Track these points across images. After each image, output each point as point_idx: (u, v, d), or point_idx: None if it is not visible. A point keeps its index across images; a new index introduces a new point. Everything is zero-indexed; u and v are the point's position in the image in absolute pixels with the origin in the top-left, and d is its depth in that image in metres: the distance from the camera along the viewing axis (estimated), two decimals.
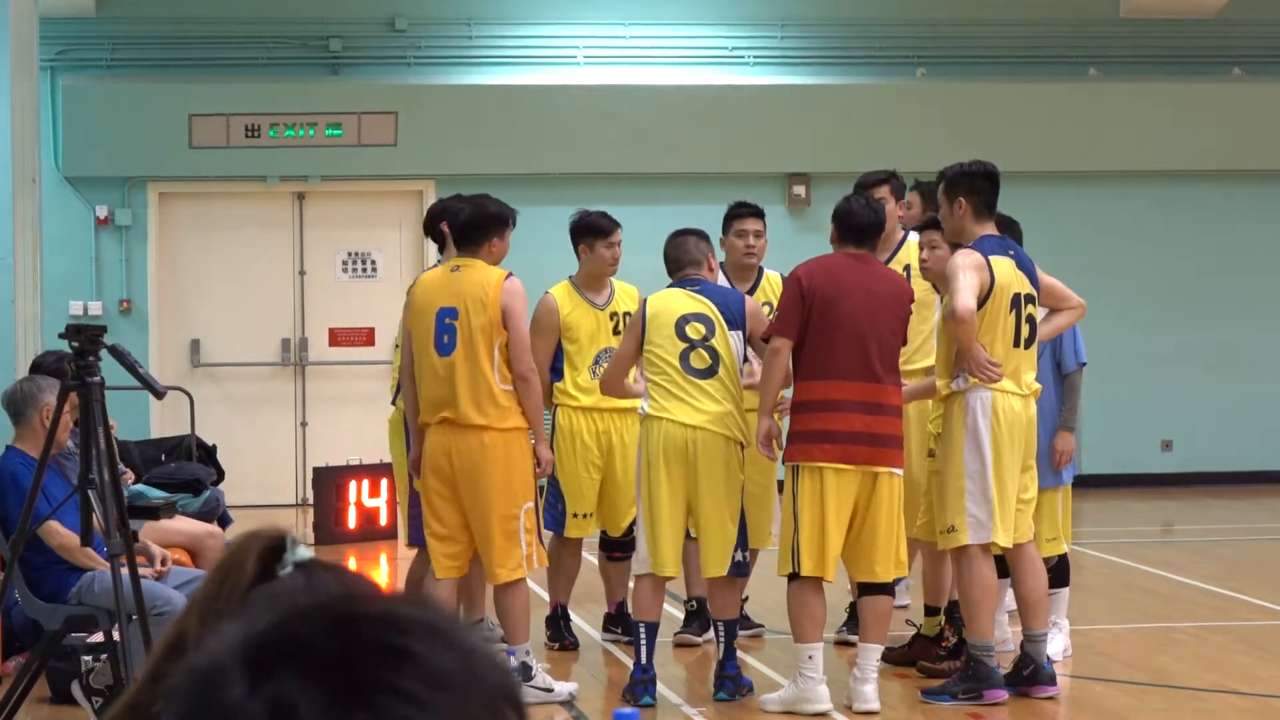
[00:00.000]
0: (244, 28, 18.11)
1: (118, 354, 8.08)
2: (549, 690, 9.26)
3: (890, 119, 18.27)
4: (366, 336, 18.32)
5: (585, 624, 11.07)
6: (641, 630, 9.21)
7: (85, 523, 8.00)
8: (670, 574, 9.35)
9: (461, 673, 1.34)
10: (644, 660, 9.17)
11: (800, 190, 18.40)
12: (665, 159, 18.08)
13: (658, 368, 9.23)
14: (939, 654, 9.84)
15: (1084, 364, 10.04)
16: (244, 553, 1.51)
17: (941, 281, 9.84)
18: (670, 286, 9.45)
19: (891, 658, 9.70)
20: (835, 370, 8.97)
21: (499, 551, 9.12)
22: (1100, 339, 18.83)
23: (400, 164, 17.96)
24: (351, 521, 15.35)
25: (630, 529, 10.09)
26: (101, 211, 17.85)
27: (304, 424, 18.32)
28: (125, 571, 8.01)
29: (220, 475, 12.98)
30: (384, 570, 14.29)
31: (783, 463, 9.20)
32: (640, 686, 9.14)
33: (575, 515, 10.36)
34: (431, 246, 11.27)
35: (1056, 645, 10.03)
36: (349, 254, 18.39)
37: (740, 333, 9.25)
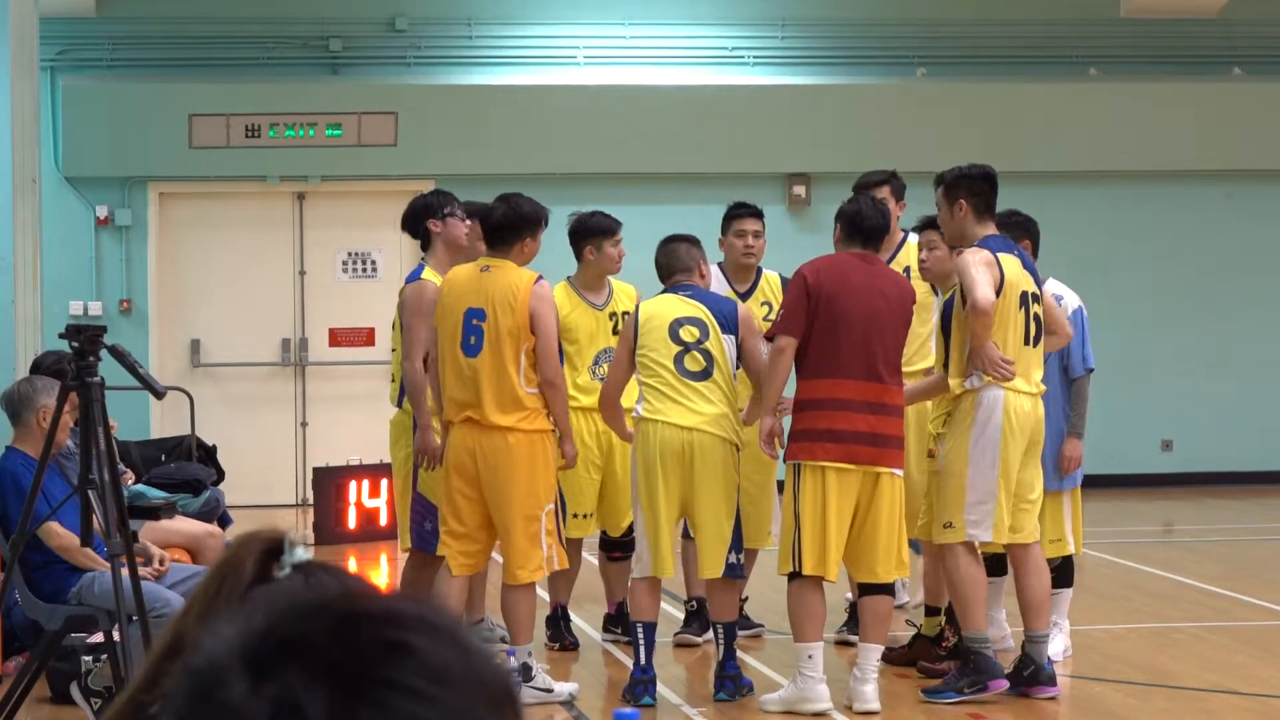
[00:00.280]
0: (244, 28, 18.11)
1: (118, 354, 8.08)
2: (549, 690, 9.26)
3: (890, 119, 18.27)
4: (366, 336, 18.32)
5: (585, 624, 11.07)
6: (640, 631, 9.21)
7: (85, 523, 8.00)
8: (669, 575, 9.37)
9: (462, 668, 1.34)
10: (643, 660, 9.17)
11: (800, 190, 18.40)
12: (665, 159, 18.08)
13: (652, 371, 9.22)
14: (939, 654, 9.84)
15: (1091, 370, 10.04)
16: (242, 554, 1.51)
17: (941, 282, 9.85)
18: (663, 292, 9.45)
19: (892, 658, 9.70)
20: (840, 369, 8.97)
21: (520, 552, 9.12)
22: (1100, 339, 18.77)
23: (400, 164, 17.95)
24: (351, 522, 15.35)
25: (630, 529, 10.09)
26: (101, 211, 17.85)
27: (304, 424, 18.32)
28: (125, 572, 8.01)
29: (220, 475, 12.98)
30: (384, 570, 14.28)
31: (784, 461, 9.19)
32: (640, 687, 9.14)
33: (575, 515, 10.36)
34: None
35: (1057, 645, 10.03)
36: (349, 254, 18.39)
37: (734, 337, 9.24)
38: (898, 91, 18.59)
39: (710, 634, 10.16)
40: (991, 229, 9.30)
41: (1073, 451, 9.85)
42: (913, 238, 10.31)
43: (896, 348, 9.10)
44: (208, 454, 13.45)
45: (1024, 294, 9.21)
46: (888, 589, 9.12)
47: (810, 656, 8.92)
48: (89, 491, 7.89)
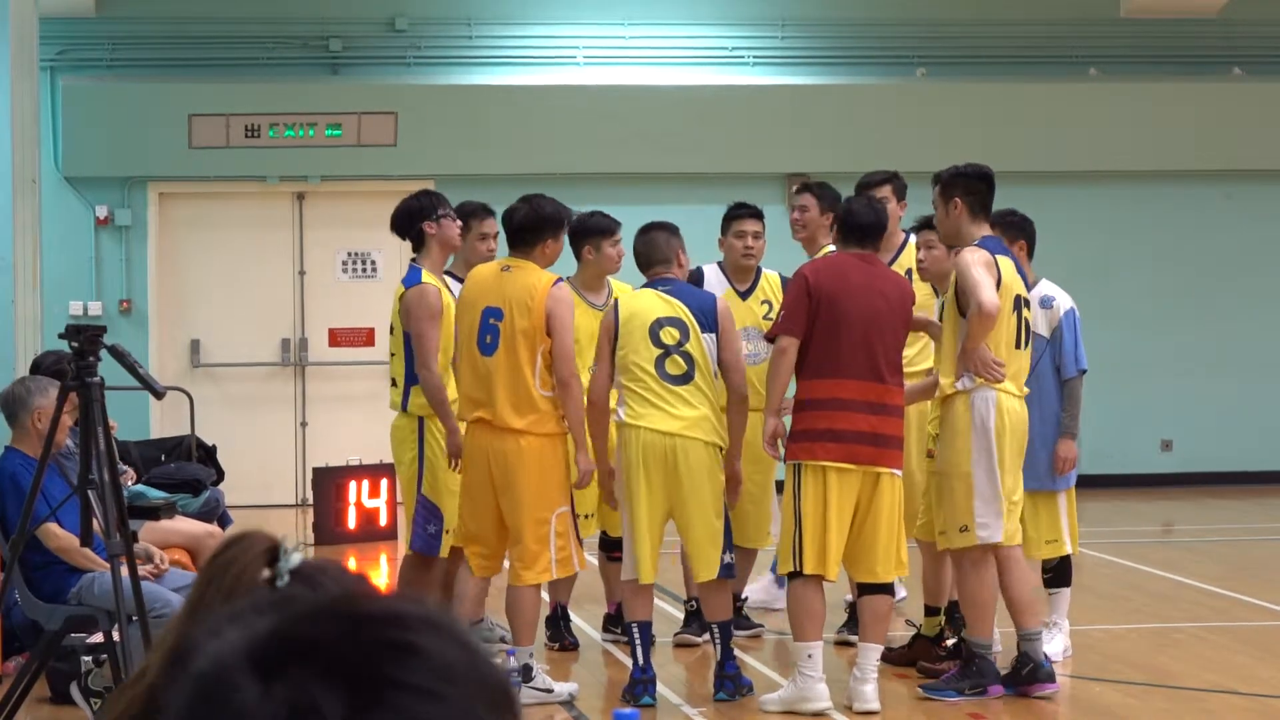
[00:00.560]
0: (244, 28, 18.11)
1: (117, 354, 8.07)
2: (549, 691, 9.26)
3: (890, 119, 18.27)
4: (366, 337, 18.32)
5: (585, 624, 11.07)
6: (635, 631, 9.20)
7: (85, 523, 8.00)
8: (649, 579, 9.32)
9: (467, 665, 1.35)
10: (641, 661, 9.16)
11: None
12: (665, 159, 18.07)
13: (633, 374, 9.20)
14: (939, 654, 9.84)
15: (1084, 370, 10.04)
16: (234, 556, 1.50)
17: (940, 282, 9.84)
18: (643, 287, 9.41)
19: (891, 658, 9.70)
20: (841, 369, 8.97)
21: (528, 553, 9.14)
22: (1100, 339, 18.82)
23: (400, 164, 17.95)
24: (351, 522, 15.35)
25: None
26: (101, 211, 17.85)
27: (304, 424, 18.32)
28: (125, 572, 8.00)
29: (220, 475, 12.98)
30: (384, 570, 14.28)
31: (785, 461, 9.19)
32: (640, 687, 9.13)
33: (576, 516, 10.35)
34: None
35: (1056, 645, 10.04)
36: (349, 254, 18.39)
37: (714, 335, 9.21)
38: (898, 91, 18.59)
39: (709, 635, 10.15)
40: (987, 229, 9.30)
41: (1067, 452, 9.85)
42: (913, 238, 10.30)
43: (897, 347, 9.10)
44: (207, 454, 13.45)
45: (1017, 297, 9.23)
46: (887, 589, 9.13)
47: (810, 656, 8.92)
48: (89, 491, 7.89)
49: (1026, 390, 9.35)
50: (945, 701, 9.16)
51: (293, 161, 18.03)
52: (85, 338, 7.93)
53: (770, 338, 9.29)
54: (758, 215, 10.48)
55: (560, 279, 9.22)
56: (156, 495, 11.28)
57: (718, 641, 9.31)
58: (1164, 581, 12.94)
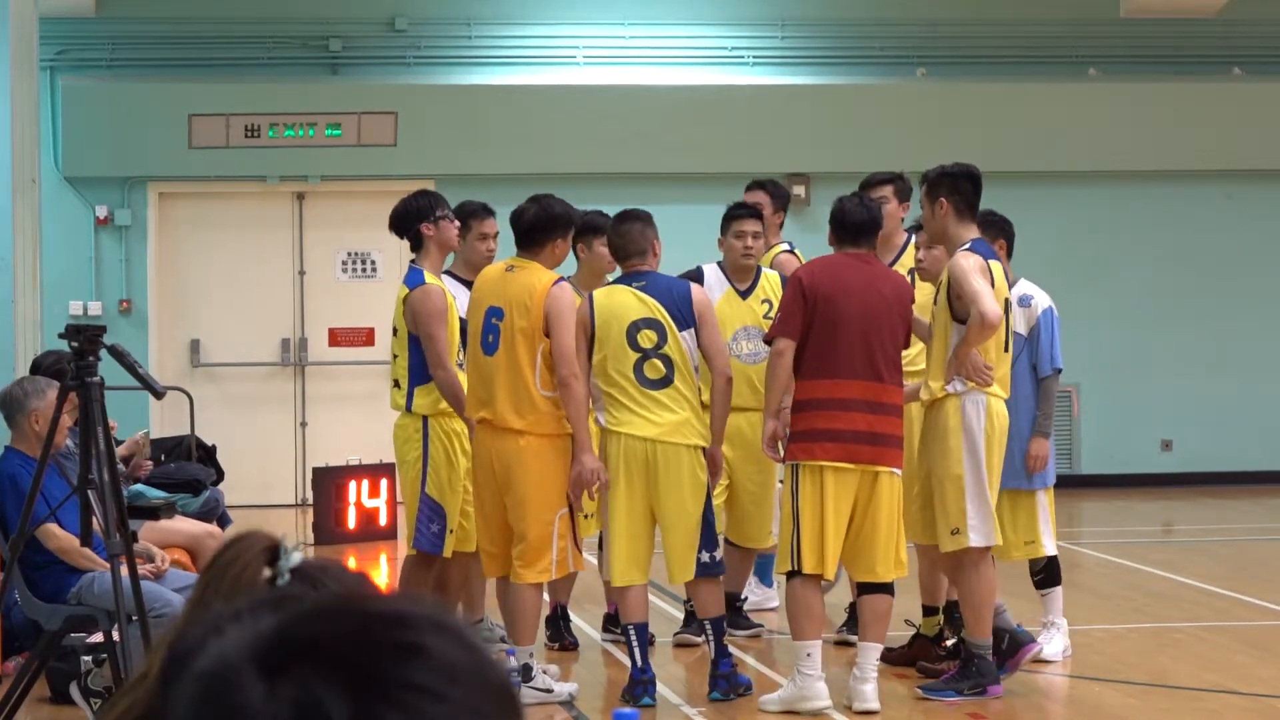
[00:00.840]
0: (244, 28, 18.11)
1: (117, 354, 8.07)
2: (549, 691, 9.25)
3: (890, 119, 18.28)
4: (366, 336, 18.32)
5: (585, 624, 11.07)
6: (632, 633, 9.18)
7: (85, 523, 8.00)
8: (623, 584, 9.30)
9: (470, 665, 1.35)
10: (640, 661, 9.15)
11: (800, 190, 18.40)
12: (665, 159, 18.08)
13: (611, 379, 9.17)
14: (939, 654, 9.84)
15: (1059, 369, 10.05)
16: (234, 555, 1.50)
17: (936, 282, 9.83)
18: (616, 282, 9.36)
19: (891, 658, 9.70)
20: (838, 369, 8.97)
21: (528, 553, 9.15)
22: (1100, 339, 18.86)
23: (400, 164, 17.95)
24: (351, 522, 15.35)
25: None
26: (101, 211, 17.85)
27: (304, 424, 18.32)
28: (125, 572, 8.00)
29: (220, 475, 12.99)
30: (384, 570, 14.28)
31: (784, 461, 9.18)
32: (640, 687, 9.13)
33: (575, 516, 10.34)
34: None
35: (1056, 645, 10.06)
36: (349, 254, 18.40)
37: (691, 329, 9.17)
38: (898, 91, 18.59)
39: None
40: (974, 230, 9.29)
41: (1039, 450, 9.85)
42: (914, 238, 10.30)
43: (895, 346, 9.10)
44: (207, 454, 13.45)
45: (1005, 301, 9.24)
46: (887, 588, 9.12)
47: (809, 655, 8.92)
48: (89, 491, 7.89)
49: (1007, 393, 9.39)
50: (945, 701, 9.17)
51: (293, 161, 18.03)
52: (85, 338, 7.92)
53: (767, 340, 9.28)
54: (757, 215, 10.48)
55: (562, 278, 9.22)
56: (156, 495, 11.28)
57: (710, 638, 9.29)
58: (1164, 581, 12.94)
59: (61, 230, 17.18)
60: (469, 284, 9.93)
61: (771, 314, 9.89)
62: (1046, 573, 10.03)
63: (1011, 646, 9.33)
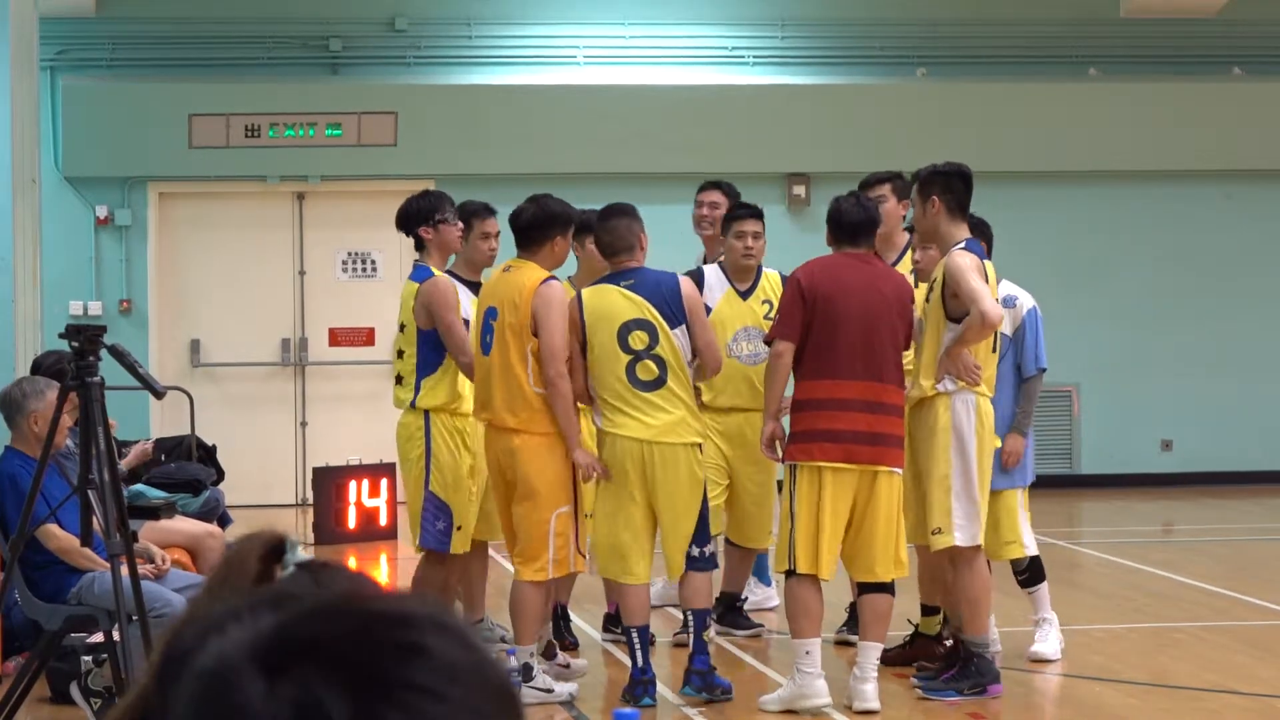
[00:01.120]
0: (244, 28, 18.11)
1: (118, 354, 8.07)
2: (549, 691, 9.25)
3: (890, 119, 18.27)
4: (366, 336, 18.32)
5: (585, 624, 11.07)
6: (634, 634, 9.18)
7: (85, 523, 8.00)
8: (608, 576, 9.31)
9: (470, 665, 1.35)
10: (640, 662, 9.15)
11: (800, 190, 18.40)
12: (665, 159, 18.07)
13: (604, 382, 9.16)
14: (939, 653, 9.84)
15: (1044, 369, 10.06)
16: (244, 554, 1.50)
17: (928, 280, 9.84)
18: (603, 281, 9.31)
19: (890, 658, 9.69)
20: (837, 370, 8.97)
21: (526, 550, 9.18)
22: (1100, 339, 18.86)
23: (400, 164, 17.95)
24: (351, 521, 15.35)
25: None
26: (101, 211, 17.85)
27: (304, 424, 18.32)
28: (125, 572, 8.00)
29: (220, 475, 12.98)
30: (384, 570, 14.28)
31: (783, 462, 9.18)
32: (640, 688, 9.13)
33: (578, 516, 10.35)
34: None
35: (1052, 644, 10.07)
36: (349, 254, 18.39)
37: (683, 325, 9.14)
38: (898, 91, 18.59)
39: (712, 632, 10.14)
40: (965, 229, 9.30)
41: (1014, 446, 9.84)
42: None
43: (896, 346, 9.09)
44: (207, 454, 13.45)
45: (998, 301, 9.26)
46: (887, 588, 9.11)
47: (808, 652, 8.92)
48: (89, 491, 7.89)
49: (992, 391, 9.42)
50: (945, 701, 9.17)
51: (293, 161, 18.03)
52: (85, 338, 7.93)
53: (767, 341, 9.27)
54: (758, 215, 10.48)
55: (551, 277, 9.21)
56: (156, 495, 11.28)
57: (689, 630, 9.26)
58: (1164, 581, 12.94)
59: (61, 230, 17.18)
60: (470, 284, 9.95)
61: (772, 314, 9.88)
62: (1031, 571, 10.04)
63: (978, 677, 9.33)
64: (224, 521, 11.96)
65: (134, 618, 7.94)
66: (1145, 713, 9.01)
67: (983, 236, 9.78)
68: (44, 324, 13.61)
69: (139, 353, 12.65)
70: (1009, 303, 9.91)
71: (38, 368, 10.50)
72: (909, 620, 10.22)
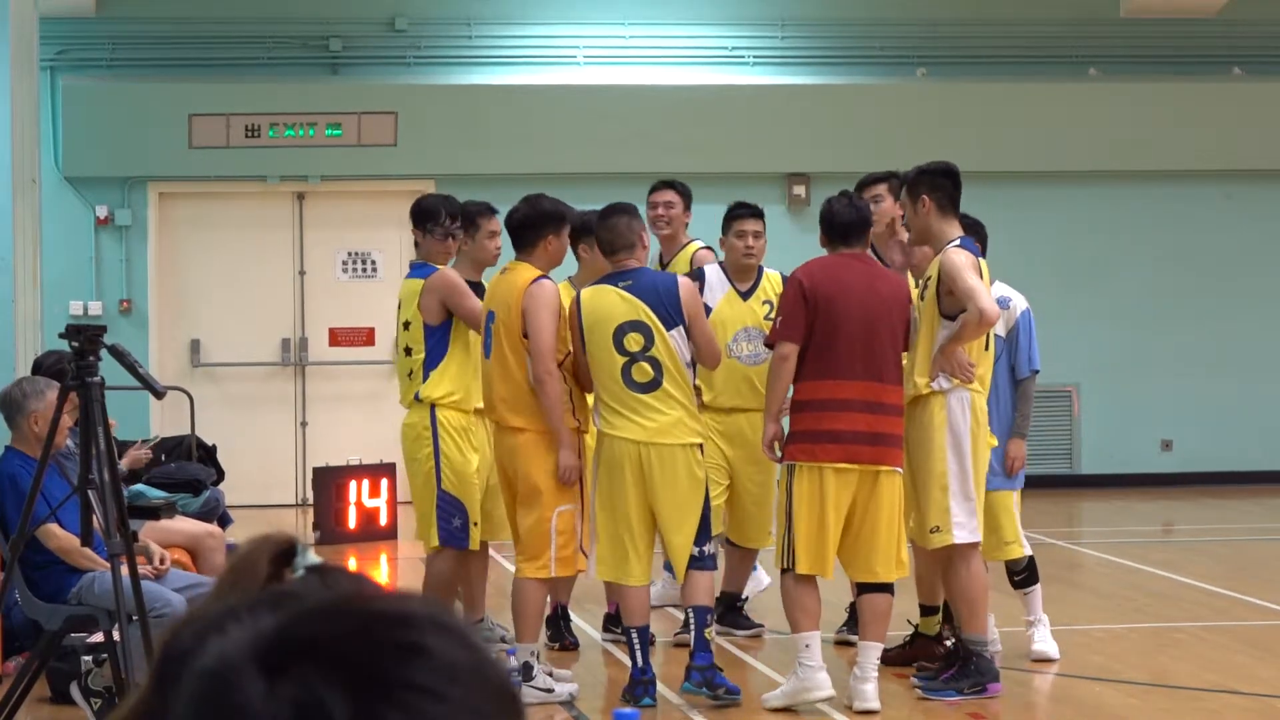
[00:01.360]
0: (244, 28, 18.11)
1: (118, 354, 8.07)
2: (549, 691, 9.26)
3: (890, 119, 18.27)
4: (366, 336, 18.32)
5: (585, 624, 11.07)
6: (634, 635, 9.17)
7: (85, 523, 8.00)
8: (607, 579, 9.32)
9: (471, 665, 1.35)
10: (640, 662, 9.15)
11: (800, 190, 18.41)
12: (665, 159, 18.04)
13: (601, 383, 9.15)
14: (939, 653, 9.83)
15: (1037, 371, 10.07)
16: (254, 556, 1.50)
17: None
18: (603, 281, 9.30)
19: (890, 658, 9.69)
20: (838, 370, 8.97)
21: (529, 549, 9.20)
22: (1100, 339, 18.86)
23: (400, 164, 17.96)
24: (351, 521, 15.35)
25: None
26: (101, 211, 17.85)
27: (304, 424, 18.32)
28: (125, 572, 8.00)
29: (220, 475, 12.98)
30: (384, 570, 14.28)
31: (783, 462, 9.17)
32: (640, 688, 9.12)
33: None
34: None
35: (1051, 644, 10.06)
36: (349, 254, 18.40)
37: (680, 326, 9.11)
38: (898, 91, 18.59)
39: (713, 633, 10.13)
40: (958, 226, 9.30)
41: (1017, 451, 9.89)
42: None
43: (895, 346, 9.09)
44: (207, 454, 13.45)
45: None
46: (886, 587, 9.11)
47: (808, 646, 8.92)
48: (89, 491, 7.89)
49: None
50: (945, 701, 9.17)
51: (293, 161, 18.03)
52: (85, 338, 7.92)
53: (769, 344, 9.27)
54: (759, 215, 10.48)
55: (542, 277, 9.22)
56: (156, 495, 11.28)
57: (691, 627, 9.25)
58: (1164, 581, 12.94)
59: (61, 230, 17.18)
60: (472, 284, 9.97)
61: (773, 315, 9.88)
62: (1029, 571, 10.05)
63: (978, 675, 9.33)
64: (224, 521, 11.96)
65: (134, 618, 7.94)
66: (1145, 713, 9.01)
67: (977, 237, 9.78)
68: (44, 324, 13.61)
69: (139, 353, 12.66)
70: (1003, 304, 9.91)
71: (38, 368, 10.50)
72: (909, 620, 10.21)
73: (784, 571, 9.05)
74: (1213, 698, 9.27)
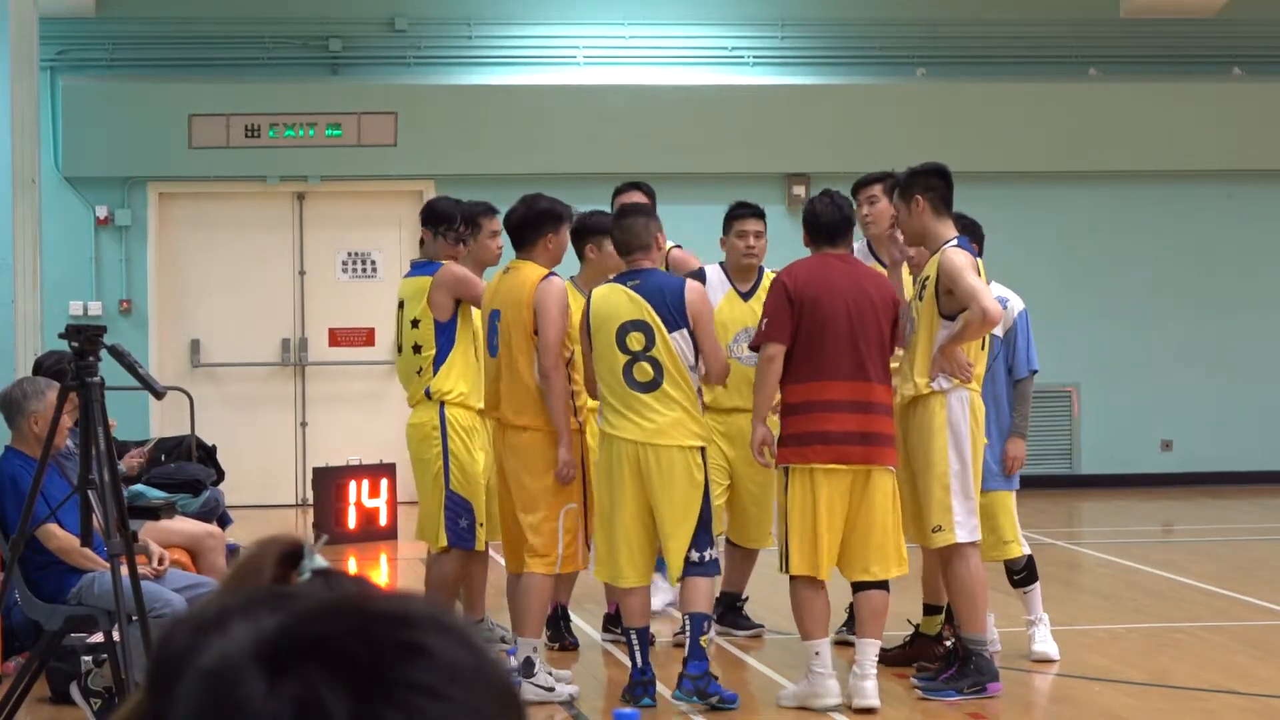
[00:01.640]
0: (244, 28, 18.11)
1: (117, 354, 8.07)
2: (550, 689, 9.25)
3: (890, 119, 18.27)
4: (366, 336, 18.32)
5: (585, 624, 11.07)
6: (633, 636, 9.17)
7: (85, 523, 8.00)
8: (606, 580, 9.32)
9: (472, 666, 1.36)
10: (640, 662, 9.14)
11: (800, 190, 18.40)
12: (665, 159, 18.07)
13: (604, 381, 9.16)
14: (939, 653, 9.84)
15: (1035, 371, 10.07)
16: (260, 558, 1.50)
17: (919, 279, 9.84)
18: (614, 280, 9.31)
19: (890, 658, 9.69)
20: (826, 371, 8.97)
21: (535, 545, 9.20)
22: (1100, 339, 18.86)
23: (400, 164, 17.96)
24: (351, 521, 15.35)
25: None
26: (101, 211, 17.85)
27: (304, 424, 18.32)
28: (125, 572, 8.00)
29: (220, 475, 12.98)
30: (384, 570, 14.28)
31: (776, 466, 9.16)
32: (640, 688, 9.12)
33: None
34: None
35: (1051, 644, 10.06)
36: (349, 254, 18.39)
37: (685, 330, 9.10)
38: (898, 91, 18.59)
39: (713, 634, 10.14)
40: (952, 226, 9.31)
41: (1016, 451, 9.90)
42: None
43: (882, 345, 9.08)
44: (207, 454, 13.45)
45: None
46: (882, 584, 9.11)
47: (818, 653, 8.94)
48: (89, 491, 7.89)
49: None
50: (945, 701, 9.17)
51: (293, 161, 18.03)
52: (85, 338, 7.93)
53: (754, 347, 9.25)
54: (759, 215, 10.48)
55: (551, 274, 9.24)
56: (156, 495, 11.28)
57: (686, 634, 9.20)
58: (1164, 581, 12.94)
59: (61, 230, 17.18)
60: None
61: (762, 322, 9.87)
62: (1028, 570, 10.05)
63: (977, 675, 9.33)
64: (224, 522, 11.96)
65: (134, 618, 7.94)
66: (1145, 713, 9.01)
67: (973, 237, 9.79)
68: (44, 324, 13.61)
69: (139, 353, 12.66)
70: (1000, 304, 9.92)
71: (38, 368, 10.50)
72: (909, 620, 10.22)
73: (792, 577, 9.05)
74: (1212, 698, 9.27)
